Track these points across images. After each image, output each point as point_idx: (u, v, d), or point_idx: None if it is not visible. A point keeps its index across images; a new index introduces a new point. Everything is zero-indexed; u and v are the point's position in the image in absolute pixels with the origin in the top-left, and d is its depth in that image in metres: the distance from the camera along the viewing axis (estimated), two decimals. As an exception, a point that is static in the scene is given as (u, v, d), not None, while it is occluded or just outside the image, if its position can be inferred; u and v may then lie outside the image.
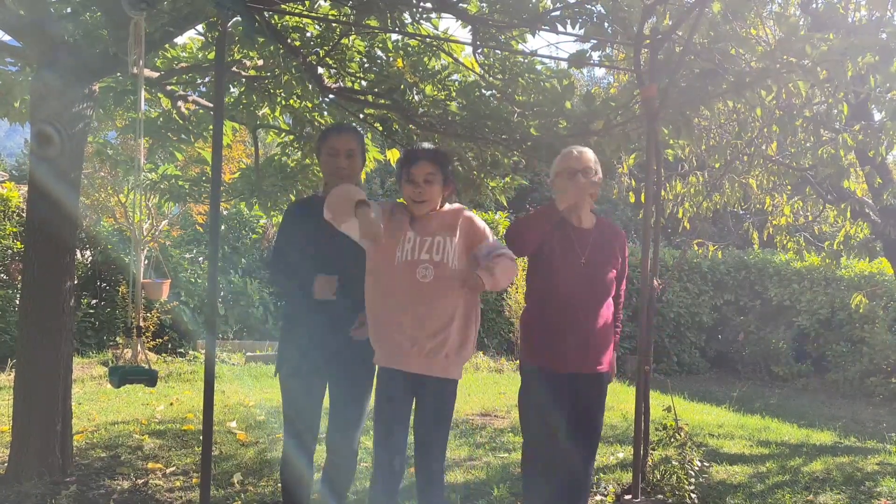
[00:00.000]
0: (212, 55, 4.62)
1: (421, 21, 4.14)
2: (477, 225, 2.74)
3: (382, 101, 4.45)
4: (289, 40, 4.09)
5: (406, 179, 2.69)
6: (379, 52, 4.53)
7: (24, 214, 5.89)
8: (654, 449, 3.91)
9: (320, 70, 4.33)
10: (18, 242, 8.41)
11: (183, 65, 4.66)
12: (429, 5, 3.92)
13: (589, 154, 2.95)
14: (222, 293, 9.73)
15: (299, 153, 5.32)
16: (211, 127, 4.30)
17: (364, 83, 4.65)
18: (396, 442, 2.66)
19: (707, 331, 12.59)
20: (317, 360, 2.83)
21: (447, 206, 2.77)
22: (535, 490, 2.97)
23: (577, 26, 3.65)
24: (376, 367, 2.73)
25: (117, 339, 8.88)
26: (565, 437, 2.93)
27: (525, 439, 3.03)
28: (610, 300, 3.00)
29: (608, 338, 2.98)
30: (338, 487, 2.94)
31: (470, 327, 2.70)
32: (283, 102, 4.76)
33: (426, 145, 2.78)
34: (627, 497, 3.62)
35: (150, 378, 3.36)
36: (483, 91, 4.29)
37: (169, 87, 4.80)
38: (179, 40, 4.55)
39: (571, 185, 2.84)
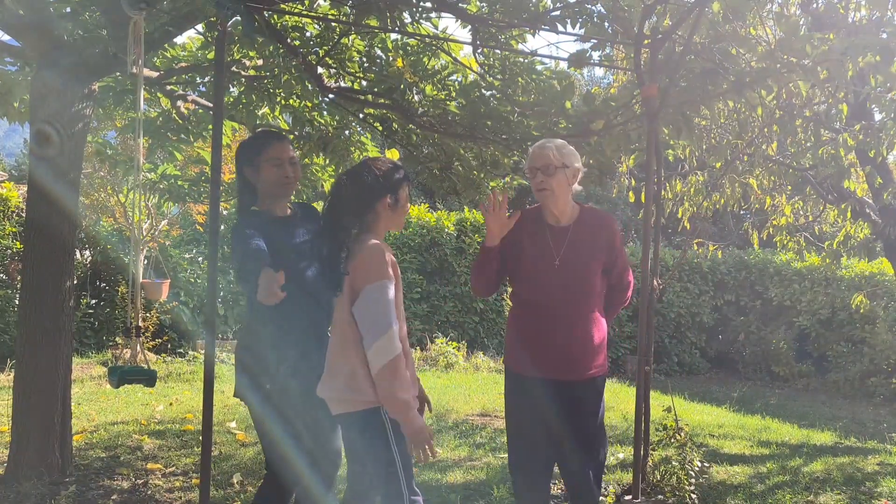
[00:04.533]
0: (211, 55, 4.61)
1: (421, 21, 4.14)
2: None
3: (382, 101, 4.44)
4: (288, 40, 4.08)
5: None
6: (378, 52, 4.53)
7: (24, 214, 5.89)
8: (654, 449, 3.90)
9: (320, 70, 4.32)
10: (18, 242, 8.40)
11: (182, 64, 4.66)
12: (429, 5, 3.91)
13: (550, 150, 2.77)
14: (222, 293, 9.72)
15: (298, 153, 5.32)
16: (210, 127, 4.29)
17: (364, 83, 4.65)
18: None
19: (707, 331, 12.59)
20: (314, 361, 2.81)
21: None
22: (522, 492, 2.94)
23: (577, 26, 3.64)
24: None
25: (117, 339, 8.87)
26: (563, 443, 2.86)
27: (508, 442, 2.96)
28: (595, 299, 2.83)
29: (594, 341, 2.80)
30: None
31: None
32: (283, 102, 4.75)
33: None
34: (628, 497, 3.61)
35: (149, 378, 3.35)
36: (483, 91, 4.29)
37: (168, 87, 4.80)
38: (179, 40, 4.55)
39: (532, 184, 2.82)
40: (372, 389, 2.34)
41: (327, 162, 5.20)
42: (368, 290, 2.30)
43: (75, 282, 4.62)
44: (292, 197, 2.93)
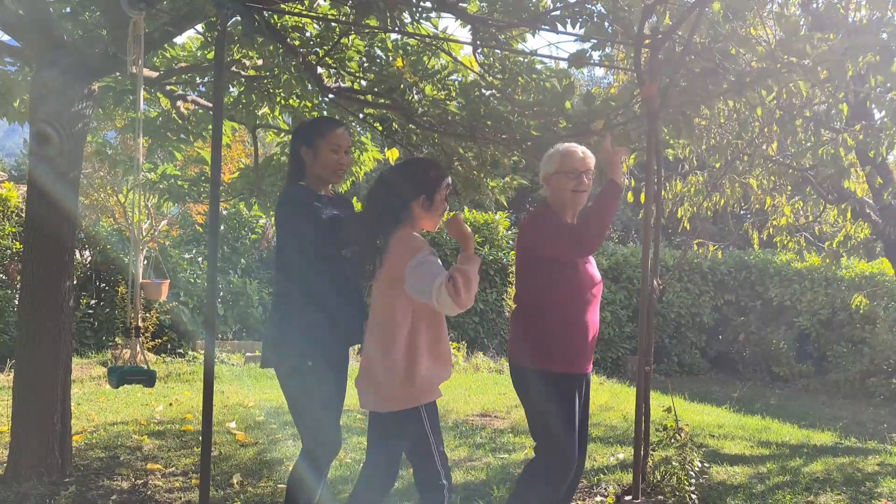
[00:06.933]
0: (211, 55, 4.61)
1: (420, 21, 4.14)
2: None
3: (382, 101, 4.44)
4: (288, 40, 4.08)
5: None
6: (378, 52, 4.53)
7: (24, 214, 5.89)
8: (654, 450, 3.90)
9: (320, 70, 4.32)
10: (18, 242, 8.40)
11: (182, 64, 4.66)
12: (428, 5, 3.91)
13: (591, 156, 2.89)
14: (221, 293, 9.72)
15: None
16: (210, 126, 4.29)
17: (364, 83, 4.65)
18: None
19: (708, 331, 12.59)
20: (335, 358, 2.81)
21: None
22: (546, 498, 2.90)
23: (577, 26, 3.65)
24: None
25: (116, 339, 8.87)
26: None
27: (556, 448, 2.82)
28: None
29: None
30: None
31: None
32: (283, 102, 4.75)
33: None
34: (628, 498, 3.61)
35: (148, 378, 3.36)
36: (483, 91, 4.29)
37: (168, 87, 4.80)
38: (179, 40, 4.55)
39: (570, 185, 2.82)
40: (406, 390, 2.47)
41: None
42: (410, 267, 2.42)
43: (75, 282, 4.62)
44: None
